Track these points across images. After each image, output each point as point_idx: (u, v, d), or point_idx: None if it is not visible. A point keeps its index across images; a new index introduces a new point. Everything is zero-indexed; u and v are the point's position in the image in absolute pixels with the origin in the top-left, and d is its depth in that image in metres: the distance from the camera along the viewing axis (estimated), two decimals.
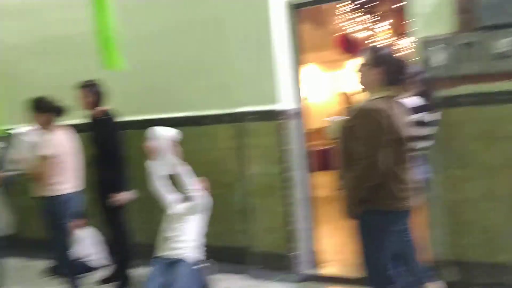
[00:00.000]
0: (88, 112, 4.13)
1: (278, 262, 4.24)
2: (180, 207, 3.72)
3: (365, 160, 2.31)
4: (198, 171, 4.50)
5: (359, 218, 2.46)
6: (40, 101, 3.69)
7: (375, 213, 2.40)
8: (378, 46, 2.82)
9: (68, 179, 3.74)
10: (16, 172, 3.59)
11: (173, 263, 3.78)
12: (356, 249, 2.59)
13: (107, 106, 4.15)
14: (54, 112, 3.71)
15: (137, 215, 4.58)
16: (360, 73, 2.55)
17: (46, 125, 3.69)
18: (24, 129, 3.61)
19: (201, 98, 4.56)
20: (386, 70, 2.46)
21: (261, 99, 4.18)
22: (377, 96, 2.45)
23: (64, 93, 3.97)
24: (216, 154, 4.54)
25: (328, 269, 4.29)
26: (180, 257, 3.70)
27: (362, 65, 2.53)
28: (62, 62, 5.12)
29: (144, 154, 4.52)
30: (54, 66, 5.15)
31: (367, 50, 2.59)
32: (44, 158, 3.58)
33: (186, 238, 3.63)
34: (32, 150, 3.60)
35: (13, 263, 4.58)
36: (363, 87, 2.55)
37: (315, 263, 4.32)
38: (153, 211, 4.08)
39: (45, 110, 3.68)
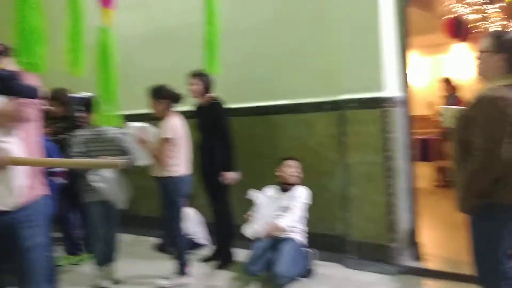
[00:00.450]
0: (197, 100, 4.33)
1: (377, 253, 4.17)
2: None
3: (485, 152, 2.18)
4: (298, 158, 4.56)
5: (475, 213, 2.34)
6: (160, 89, 3.92)
7: (494, 207, 2.27)
8: (500, 31, 2.59)
9: (182, 161, 3.97)
10: (134, 158, 3.86)
11: (279, 242, 3.90)
12: (465, 244, 2.47)
13: (214, 94, 4.34)
14: (172, 99, 3.92)
15: (238, 198, 4.74)
16: (479, 60, 2.40)
17: (164, 112, 3.92)
18: (138, 124, 3.86)
19: (302, 85, 4.57)
20: (509, 57, 2.30)
21: (365, 86, 4.09)
22: (500, 84, 2.29)
23: (175, 81, 4.18)
24: (315, 142, 4.54)
25: (431, 263, 4.14)
26: (287, 236, 3.83)
27: (482, 51, 2.38)
28: (173, 52, 5.37)
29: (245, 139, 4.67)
30: (165, 56, 5.42)
31: (488, 36, 2.42)
32: (165, 141, 3.82)
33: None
34: (151, 135, 3.86)
35: (126, 238, 4.95)
36: (481, 75, 2.41)
37: (416, 256, 4.19)
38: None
39: (164, 97, 3.90)
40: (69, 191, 4.33)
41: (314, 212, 4.33)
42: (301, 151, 4.56)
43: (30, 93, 2.10)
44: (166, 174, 3.89)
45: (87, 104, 3.84)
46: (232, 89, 4.71)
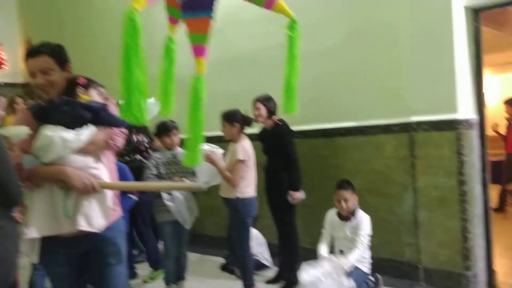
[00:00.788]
0: (263, 123, 4.40)
1: (449, 281, 4.00)
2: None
3: None
4: (364, 181, 4.49)
5: None
6: (233, 113, 4.05)
7: None
8: None
9: (251, 183, 4.04)
10: (208, 181, 3.98)
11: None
12: None
13: (279, 116, 4.39)
14: (244, 123, 4.06)
15: (303, 220, 4.72)
16: None
17: (236, 135, 4.04)
18: (209, 146, 3.96)
19: (370, 107, 4.51)
20: None
21: (437, 107, 3.98)
22: None
23: (243, 104, 4.28)
24: (383, 164, 4.45)
25: None
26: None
27: None
28: (242, 76, 5.47)
29: (311, 161, 4.65)
30: (235, 80, 5.52)
31: None
32: (239, 163, 3.92)
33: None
34: (220, 157, 3.95)
35: (191, 257, 5.01)
36: None
37: (492, 285, 3.98)
38: (320, 215, 4.16)
39: (237, 121, 4.03)
40: (139, 207, 4.51)
41: (381, 237, 4.23)
42: (368, 173, 4.49)
43: (117, 122, 2.26)
44: (236, 195, 3.95)
45: (160, 129, 4.03)
46: (298, 111, 4.72)
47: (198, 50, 1.96)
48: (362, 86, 4.56)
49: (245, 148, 3.99)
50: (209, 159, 3.82)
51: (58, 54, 2.25)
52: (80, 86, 2.27)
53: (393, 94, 4.34)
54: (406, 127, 4.23)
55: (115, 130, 2.28)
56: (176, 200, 3.88)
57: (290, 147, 4.26)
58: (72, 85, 2.26)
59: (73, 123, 2.16)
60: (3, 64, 8.63)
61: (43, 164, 2.15)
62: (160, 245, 4.95)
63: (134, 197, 3.74)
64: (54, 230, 2.16)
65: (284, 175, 4.24)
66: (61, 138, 2.12)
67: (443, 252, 4.04)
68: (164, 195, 3.85)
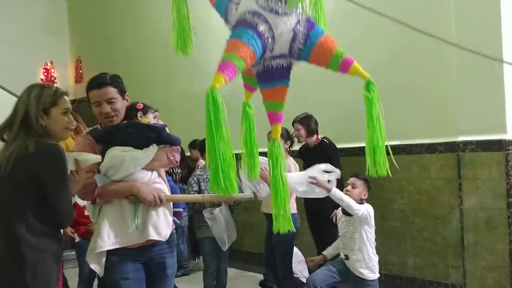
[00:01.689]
0: (305, 141, 4.44)
1: None
2: None
3: None
4: (409, 201, 4.43)
5: None
6: (285, 130, 4.19)
7: None
8: None
9: (293, 199, 4.05)
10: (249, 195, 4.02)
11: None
12: None
13: (321, 134, 4.42)
14: (290, 141, 4.18)
15: None
16: None
17: (284, 151, 4.10)
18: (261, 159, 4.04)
19: (415, 125, 4.47)
20: None
21: (485, 127, 3.92)
22: None
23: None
24: (429, 184, 4.38)
25: None
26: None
27: None
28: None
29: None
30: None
31: None
32: None
33: None
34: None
35: (230, 273, 5.03)
36: None
37: None
38: None
39: (288, 138, 4.20)
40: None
41: (426, 259, 4.15)
42: (413, 194, 4.42)
43: (175, 140, 2.51)
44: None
45: (203, 145, 4.13)
46: (341, 128, 4.74)
47: (274, 117, 2.04)
48: (407, 105, 4.53)
49: (295, 164, 4.09)
50: (263, 176, 3.89)
51: (120, 84, 2.47)
52: (139, 111, 2.50)
53: (439, 113, 4.30)
54: (452, 147, 4.17)
55: (174, 147, 2.50)
56: (217, 220, 3.94)
57: (337, 164, 4.27)
58: (132, 110, 2.49)
59: (140, 143, 2.38)
60: (54, 81, 9.01)
61: (113, 181, 2.34)
62: (200, 261, 5.02)
63: (178, 221, 3.77)
64: (125, 242, 2.34)
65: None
66: (131, 156, 2.33)
67: (490, 275, 3.92)
68: (206, 214, 3.93)
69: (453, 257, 4.20)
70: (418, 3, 4.42)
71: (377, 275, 3.51)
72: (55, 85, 8.65)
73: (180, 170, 5.21)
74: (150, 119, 2.54)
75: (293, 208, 4.05)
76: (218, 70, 1.66)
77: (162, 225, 2.38)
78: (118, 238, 2.32)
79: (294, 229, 2.03)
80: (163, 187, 2.47)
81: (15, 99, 6.56)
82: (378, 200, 4.55)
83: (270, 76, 1.97)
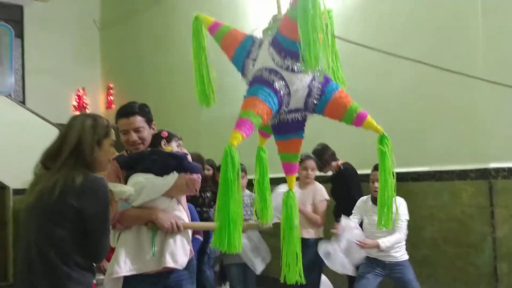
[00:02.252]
0: (324, 171, 4.48)
1: None
2: None
3: None
4: (439, 229, 4.33)
5: None
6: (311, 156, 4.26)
7: None
8: None
9: (321, 225, 4.08)
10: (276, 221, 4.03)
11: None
12: None
13: (342, 160, 4.40)
14: (323, 164, 4.29)
15: None
16: None
17: (312, 178, 4.22)
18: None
19: (444, 151, 4.40)
20: None
21: None
22: None
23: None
24: (460, 212, 4.28)
25: None
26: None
27: None
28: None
29: None
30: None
31: None
32: (325, 202, 4.11)
33: None
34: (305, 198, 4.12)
35: None
36: None
37: None
38: None
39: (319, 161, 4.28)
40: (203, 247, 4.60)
41: (456, 285, 4.02)
42: (444, 221, 4.33)
43: (195, 169, 2.53)
44: (320, 235, 3.99)
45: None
46: (368, 154, 4.68)
47: (289, 168, 2.09)
48: (437, 130, 4.47)
49: (321, 189, 4.14)
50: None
51: (147, 114, 2.54)
52: (163, 139, 2.56)
53: (469, 139, 4.22)
54: (484, 174, 4.08)
55: (194, 175, 2.51)
56: (243, 246, 3.94)
57: (355, 191, 4.24)
58: (157, 138, 2.56)
59: (161, 170, 2.42)
60: (86, 107, 9.26)
61: (133, 207, 2.38)
62: (226, 287, 4.99)
63: (200, 238, 3.81)
64: (142, 269, 2.34)
65: None
66: (152, 183, 2.37)
67: None
68: None
69: (486, 287, 4.06)
70: (445, 31, 4.42)
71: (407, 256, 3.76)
72: (88, 111, 8.94)
73: (209, 194, 5.24)
74: (173, 147, 2.58)
75: (317, 233, 4.05)
76: (235, 127, 1.71)
77: (179, 253, 2.39)
78: (135, 265, 2.33)
79: (304, 281, 2.04)
80: (182, 214, 2.49)
81: (48, 125, 6.73)
82: (408, 228, 4.47)
83: (285, 129, 2.02)
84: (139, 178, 2.38)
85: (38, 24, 8.91)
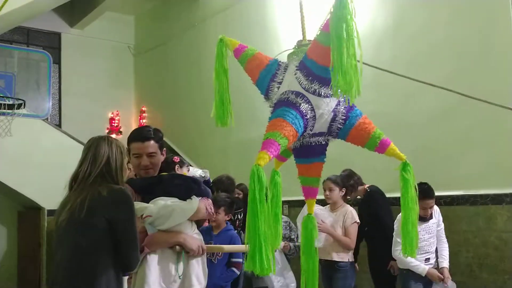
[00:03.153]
0: (352, 196, 4.42)
1: None
2: None
3: None
4: (474, 254, 4.19)
5: None
6: (346, 178, 4.23)
7: None
8: None
9: (351, 248, 4.07)
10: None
11: None
12: None
13: (368, 184, 4.35)
14: (346, 188, 4.19)
15: None
16: None
17: (341, 199, 4.16)
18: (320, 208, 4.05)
19: (478, 175, 4.30)
20: None
21: None
22: None
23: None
24: (495, 237, 4.15)
25: None
26: None
27: None
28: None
29: None
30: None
31: None
32: (355, 225, 4.03)
33: None
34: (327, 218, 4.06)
35: None
36: None
37: None
38: None
39: (347, 186, 4.22)
40: None
41: None
42: (479, 247, 4.20)
43: (209, 193, 2.59)
44: (349, 259, 3.98)
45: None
46: (395, 178, 4.61)
47: (309, 192, 2.10)
48: (470, 154, 4.38)
49: (352, 212, 4.06)
50: (323, 229, 3.87)
51: (160, 140, 2.56)
52: (177, 164, 2.61)
53: (504, 163, 4.12)
54: None
55: (209, 200, 2.56)
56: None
57: (383, 215, 4.17)
58: (171, 163, 2.60)
59: (184, 195, 2.44)
60: (120, 130, 9.48)
61: (159, 231, 2.39)
62: None
63: (237, 272, 3.72)
64: None
65: (380, 244, 4.13)
66: (180, 207, 2.40)
67: None
68: None
69: None
70: (476, 56, 4.38)
71: None
72: (121, 133, 9.16)
73: (241, 216, 5.22)
74: (184, 172, 2.62)
75: (348, 256, 3.99)
76: (262, 148, 1.73)
77: (201, 274, 2.43)
78: (163, 286, 2.35)
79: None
80: (200, 237, 2.53)
81: (82, 146, 6.89)
82: None
83: (307, 152, 2.03)
84: (167, 202, 2.39)
85: (75, 50, 9.24)
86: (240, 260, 3.66)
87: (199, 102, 7.92)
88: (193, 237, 2.45)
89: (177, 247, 2.38)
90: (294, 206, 5.40)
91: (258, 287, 4.10)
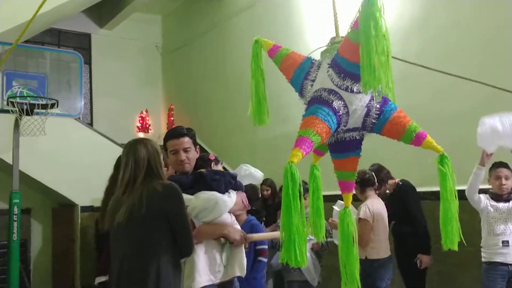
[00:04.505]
0: (381, 190, 4.36)
1: None
2: None
3: None
4: None
5: None
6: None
7: None
8: None
9: (381, 244, 3.99)
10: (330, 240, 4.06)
11: None
12: None
13: (397, 178, 4.31)
14: (367, 184, 4.10)
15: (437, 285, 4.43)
16: None
17: (359, 195, 4.10)
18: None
19: None
20: None
21: None
22: None
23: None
24: None
25: None
26: None
27: None
28: None
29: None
30: None
31: None
32: (360, 221, 3.92)
33: None
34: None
35: None
36: None
37: None
38: (455, 284, 3.87)
39: (357, 182, 4.05)
40: None
41: None
42: None
43: (242, 187, 2.81)
44: (365, 255, 3.90)
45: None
46: (431, 170, 4.57)
47: (345, 186, 2.13)
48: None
49: (369, 208, 3.96)
50: (334, 224, 3.86)
51: (193, 136, 2.77)
52: (212, 161, 2.85)
53: None
54: None
55: (243, 193, 2.79)
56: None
57: (414, 209, 4.13)
58: (207, 160, 2.86)
59: (223, 189, 2.63)
60: (149, 128, 9.63)
61: (203, 223, 2.58)
62: None
63: (264, 259, 3.80)
64: (212, 280, 2.52)
65: (410, 238, 4.11)
66: (222, 200, 2.58)
67: None
68: None
69: None
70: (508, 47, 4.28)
71: None
72: (150, 131, 9.33)
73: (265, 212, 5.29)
74: (220, 168, 2.86)
75: (380, 253, 3.95)
76: (295, 145, 1.77)
77: (243, 262, 2.62)
78: (211, 276, 2.51)
79: None
80: (238, 227, 2.73)
81: (113, 145, 7.04)
82: (474, 248, 4.27)
83: (342, 147, 2.05)
84: (210, 196, 2.54)
85: (104, 50, 9.43)
86: (266, 246, 3.75)
87: (225, 101, 8.00)
88: (236, 228, 2.64)
89: (222, 239, 2.55)
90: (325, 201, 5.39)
91: (290, 280, 4.14)
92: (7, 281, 5.77)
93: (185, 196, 2.43)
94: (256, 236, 3.04)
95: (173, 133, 2.75)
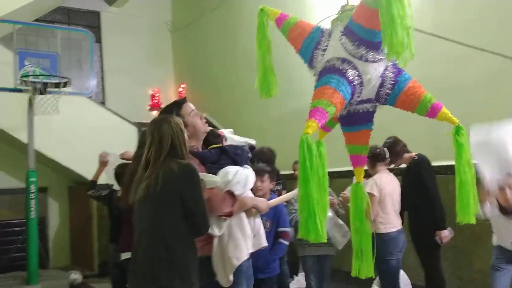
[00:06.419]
0: (397, 163, 4.29)
1: None
2: None
3: None
4: None
5: None
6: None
7: None
8: None
9: (391, 219, 3.96)
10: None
11: None
12: None
13: (414, 152, 4.25)
14: (378, 159, 4.03)
15: (451, 262, 4.42)
16: None
17: (372, 169, 4.04)
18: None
19: None
20: None
21: None
22: None
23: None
24: None
25: None
26: None
27: None
28: None
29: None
30: None
31: None
32: (370, 195, 3.85)
33: None
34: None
35: None
36: None
37: None
38: (470, 258, 3.84)
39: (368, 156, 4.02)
40: None
41: None
42: None
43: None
44: (374, 230, 3.88)
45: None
46: (445, 144, 4.52)
47: (357, 160, 2.06)
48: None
49: (377, 183, 3.92)
50: (346, 199, 3.83)
51: None
52: (224, 137, 2.91)
53: None
54: None
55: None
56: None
57: (429, 183, 4.07)
58: (219, 136, 2.87)
59: (244, 163, 2.74)
60: (160, 107, 9.63)
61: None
62: (298, 278, 5.01)
63: (286, 242, 3.74)
64: (246, 253, 2.61)
65: (425, 213, 4.06)
66: (252, 174, 2.70)
67: None
68: None
69: None
70: None
71: None
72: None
73: (280, 187, 5.27)
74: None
75: (390, 227, 3.93)
76: (310, 116, 1.71)
77: (263, 230, 2.80)
78: (247, 248, 2.63)
79: (373, 275, 2.03)
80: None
81: (126, 123, 7.04)
82: (487, 221, 4.26)
83: (354, 120, 1.99)
84: (239, 170, 2.61)
85: (114, 28, 9.38)
86: (288, 229, 3.69)
87: (236, 77, 7.94)
88: (261, 199, 2.78)
89: (253, 209, 2.67)
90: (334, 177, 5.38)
91: (304, 255, 4.11)
92: (26, 258, 5.89)
93: (211, 177, 2.49)
94: (273, 201, 3.10)
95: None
